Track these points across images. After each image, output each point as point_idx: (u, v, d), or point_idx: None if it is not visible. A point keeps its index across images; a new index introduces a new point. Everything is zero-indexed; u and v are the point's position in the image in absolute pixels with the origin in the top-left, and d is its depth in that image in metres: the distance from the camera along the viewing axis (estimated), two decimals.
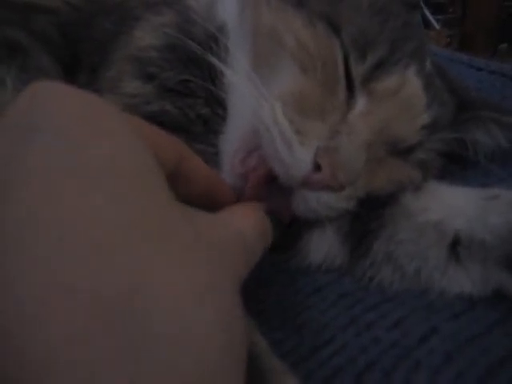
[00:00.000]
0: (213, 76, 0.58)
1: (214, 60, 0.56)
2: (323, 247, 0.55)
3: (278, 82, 0.53)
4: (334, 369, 0.41)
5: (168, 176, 0.34)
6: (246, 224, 0.38)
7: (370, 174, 0.54)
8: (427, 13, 4.25)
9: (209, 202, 0.42)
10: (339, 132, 0.50)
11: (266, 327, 0.45)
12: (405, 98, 0.54)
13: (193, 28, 0.61)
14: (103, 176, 0.28)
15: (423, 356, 0.42)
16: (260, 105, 0.52)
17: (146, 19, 0.65)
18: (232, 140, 0.55)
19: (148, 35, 0.63)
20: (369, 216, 0.54)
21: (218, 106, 0.58)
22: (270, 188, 0.50)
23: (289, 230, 0.55)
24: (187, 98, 0.59)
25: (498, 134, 0.65)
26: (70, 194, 0.26)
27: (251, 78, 0.54)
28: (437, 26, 4.23)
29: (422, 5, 4.23)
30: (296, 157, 0.48)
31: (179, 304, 0.25)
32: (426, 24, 4.17)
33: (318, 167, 0.48)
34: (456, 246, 0.49)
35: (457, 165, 0.65)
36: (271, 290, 0.51)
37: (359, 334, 0.45)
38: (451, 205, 0.51)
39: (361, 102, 0.53)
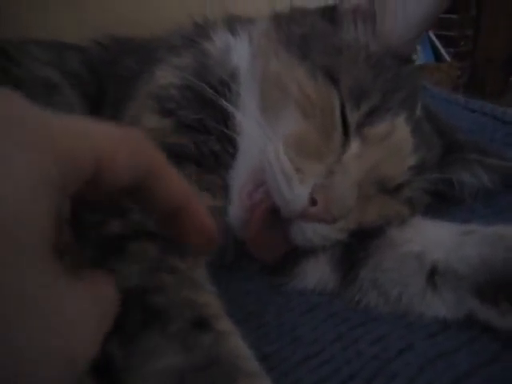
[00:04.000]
0: (225, 117, 0.66)
1: (225, 104, 0.64)
2: (317, 273, 0.63)
3: (282, 125, 0.62)
4: (320, 377, 0.49)
5: (130, 186, 0.36)
6: None
7: (361, 209, 0.62)
8: (439, 46, 4.33)
9: (176, 223, 0.41)
10: (334, 171, 0.59)
11: (264, 339, 0.53)
12: (394, 143, 0.63)
13: (208, 73, 0.69)
14: None
15: (400, 368, 0.49)
16: (265, 145, 0.60)
17: (167, 60, 0.74)
18: (240, 175, 0.63)
19: (169, 74, 0.71)
20: (358, 246, 0.61)
21: (228, 144, 0.66)
22: (273, 220, 0.59)
23: (287, 256, 0.63)
24: (201, 134, 0.67)
25: (482, 176, 0.72)
26: None
27: (258, 120, 0.63)
28: (448, 59, 4.30)
29: (434, 38, 4.32)
30: (295, 192, 0.56)
31: None
32: (438, 57, 4.26)
33: (314, 202, 0.56)
34: (433, 275, 0.57)
35: (444, 202, 0.72)
36: (270, 308, 0.59)
37: (345, 348, 0.52)
38: (431, 238, 0.59)
39: (354, 145, 0.61)
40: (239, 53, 0.73)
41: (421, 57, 4.21)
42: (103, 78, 0.80)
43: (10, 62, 0.74)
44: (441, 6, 0.66)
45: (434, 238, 0.59)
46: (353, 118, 0.61)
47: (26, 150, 0.29)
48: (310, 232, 0.59)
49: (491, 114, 0.94)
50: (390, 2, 0.66)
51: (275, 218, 0.59)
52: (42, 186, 0.30)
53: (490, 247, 0.54)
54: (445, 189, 0.72)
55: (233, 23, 0.80)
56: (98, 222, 0.44)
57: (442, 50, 4.26)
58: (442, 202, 0.72)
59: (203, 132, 0.67)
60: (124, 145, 0.36)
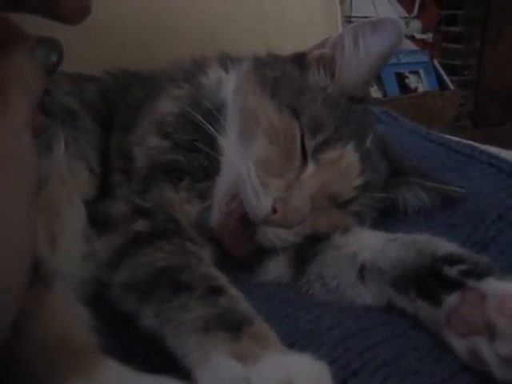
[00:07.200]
0: (212, 140, 0.81)
1: (211, 130, 0.80)
2: (277, 268, 0.79)
3: (253, 149, 0.77)
4: None
5: None
6: None
7: (314, 219, 0.77)
8: (443, 74, 4.47)
9: None
10: (292, 187, 0.75)
11: None
12: (343, 166, 0.78)
13: (201, 103, 0.84)
14: None
15: (326, 339, 0.64)
16: (239, 164, 0.76)
17: (168, 90, 0.89)
18: (221, 187, 0.79)
19: (168, 104, 0.86)
20: (308, 247, 0.77)
21: (214, 162, 0.81)
22: (245, 224, 0.74)
23: (254, 255, 0.78)
24: (193, 152, 0.81)
25: (422, 196, 0.88)
26: None
27: (236, 145, 0.79)
28: (452, 87, 4.43)
29: (439, 66, 4.47)
30: (260, 202, 0.72)
31: None
32: (442, 85, 4.40)
33: (275, 210, 0.72)
34: (362, 271, 0.72)
35: (390, 217, 0.88)
36: None
37: (288, 325, 0.67)
38: (365, 242, 0.75)
39: (310, 167, 0.77)
40: (228, 87, 0.89)
41: (425, 84, 4.38)
42: (114, 105, 0.93)
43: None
44: (382, 60, 0.82)
45: (366, 243, 0.75)
46: (310, 145, 0.77)
47: None
48: (272, 235, 0.75)
49: (445, 144, 1.09)
50: (347, 53, 0.83)
51: (246, 222, 0.74)
52: None
53: (405, 250, 0.69)
54: (391, 206, 0.88)
55: (225, 60, 0.96)
56: None
57: (446, 78, 4.42)
58: (389, 217, 0.88)
59: (195, 151, 0.81)
60: None
